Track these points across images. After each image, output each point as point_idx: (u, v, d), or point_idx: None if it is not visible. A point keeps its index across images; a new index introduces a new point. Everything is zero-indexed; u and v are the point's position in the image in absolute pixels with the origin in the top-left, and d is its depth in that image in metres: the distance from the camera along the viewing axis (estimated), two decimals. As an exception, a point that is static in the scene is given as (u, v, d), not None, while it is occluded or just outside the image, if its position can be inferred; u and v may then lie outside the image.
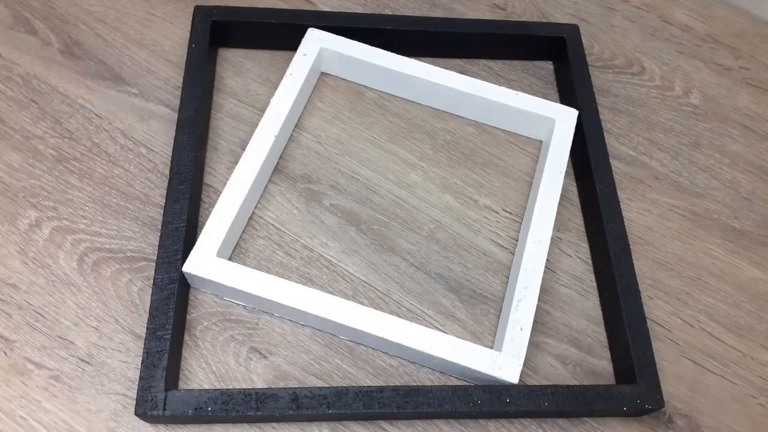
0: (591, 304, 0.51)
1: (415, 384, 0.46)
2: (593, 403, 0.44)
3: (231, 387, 0.44)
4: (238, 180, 0.48)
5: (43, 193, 0.50)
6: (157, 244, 0.47)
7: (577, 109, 0.55)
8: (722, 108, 0.62)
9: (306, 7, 0.63)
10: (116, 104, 0.55)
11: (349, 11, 0.63)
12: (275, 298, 0.44)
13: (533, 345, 0.48)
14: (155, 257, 0.48)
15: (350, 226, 0.52)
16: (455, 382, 0.46)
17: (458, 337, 0.45)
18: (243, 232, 0.50)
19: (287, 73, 0.54)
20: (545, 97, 0.58)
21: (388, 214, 0.53)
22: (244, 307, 0.47)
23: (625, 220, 0.52)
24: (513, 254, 0.52)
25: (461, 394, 0.42)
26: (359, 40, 0.56)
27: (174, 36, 0.59)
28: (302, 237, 0.51)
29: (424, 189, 0.54)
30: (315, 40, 0.56)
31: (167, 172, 0.51)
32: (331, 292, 0.48)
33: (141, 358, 0.43)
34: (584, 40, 0.60)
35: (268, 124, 0.51)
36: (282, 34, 0.57)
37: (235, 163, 0.51)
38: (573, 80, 0.57)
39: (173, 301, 0.44)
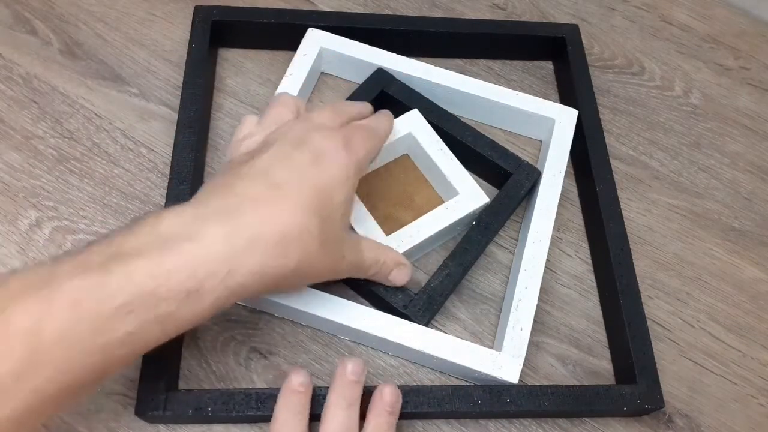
0: (591, 304, 0.51)
1: (415, 384, 0.46)
2: (593, 403, 0.44)
3: (231, 387, 0.44)
4: (238, 180, 0.48)
5: (44, 193, 0.50)
6: (157, 244, 0.47)
7: (577, 109, 0.55)
8: (722, 108, 0.62)
9: (306, 7, 0.63)
10: (116, 104, 0.55)
11: (349, 11, 0.63)
12: (275, 298, 0.44)
13: (533, 345, 0.48)
14: (155, 257, 0.48)
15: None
16: (455, 382, 0.46)
17: (458, 337, 0.45)
18: (243, 232, 0.50)
19: (287, 73, 0.54)
20: (545, 97, 0.58)
21: (388, 214, 0.52)
22: (244, 307, 0.47)
23: (625, 220, 0.52)
24: (513, 254, 0.52)
25: (461, 394, 0.42)
26: (359, 40, 0.56)
27: (174, 36, 0.59)
28: (302, 237, 0.51)
29: (424, 189, 0.54)
30: (315, 40, 0.56)
31: (167, 172, 0.51)
32: (331, 292, 0.48)
33: (141, 358, 0.43)
34: (584, 40, 0.60)
35: (268, 124, 0.51)
36: (282, 34, 0.57)
37: (235, 163, 0.51)
38: (573, 80, 0.57)
39: (173, 301, 0.44)
